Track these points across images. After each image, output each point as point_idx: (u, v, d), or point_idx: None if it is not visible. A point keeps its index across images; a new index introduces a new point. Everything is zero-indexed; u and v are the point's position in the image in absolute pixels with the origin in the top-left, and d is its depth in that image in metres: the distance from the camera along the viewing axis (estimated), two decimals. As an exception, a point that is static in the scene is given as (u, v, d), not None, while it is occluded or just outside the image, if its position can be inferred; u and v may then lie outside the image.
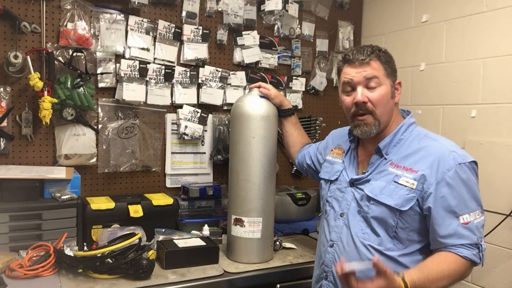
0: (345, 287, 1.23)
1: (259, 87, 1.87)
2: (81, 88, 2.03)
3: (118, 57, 2.15)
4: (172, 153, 2.33)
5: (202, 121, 2.33)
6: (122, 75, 2.12)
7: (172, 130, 2.32)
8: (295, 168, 2.66)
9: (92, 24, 2.09)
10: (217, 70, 2.38)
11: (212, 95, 2.38)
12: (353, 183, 1.47)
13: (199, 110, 2.33)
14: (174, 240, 1.83)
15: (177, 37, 2.28)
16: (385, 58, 1.43)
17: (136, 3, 2.13)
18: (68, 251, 1.69)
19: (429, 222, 1.33)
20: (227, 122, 2.40)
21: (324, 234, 1.54)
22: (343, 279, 1.22)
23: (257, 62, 2.50)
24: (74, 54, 2.01)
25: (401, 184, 1.35)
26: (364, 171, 1.47)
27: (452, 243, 1.31)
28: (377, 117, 1.40)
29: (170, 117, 2.31)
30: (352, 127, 1.47)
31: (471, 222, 1.31)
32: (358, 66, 1.41)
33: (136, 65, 2.15)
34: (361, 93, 1.39)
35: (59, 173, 1.91)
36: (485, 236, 1.91)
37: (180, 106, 2.30)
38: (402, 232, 1.36)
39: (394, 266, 1.34)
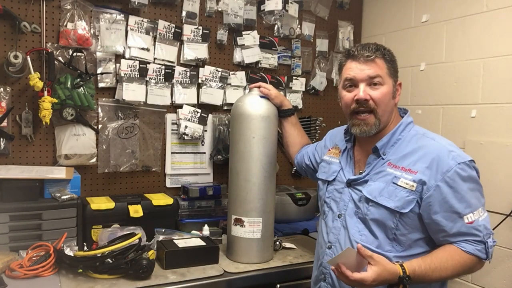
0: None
1: (259, 87, 1.87)
2: (81, 88, 2.03)
3: (118, 57, 2.15)
4: (172, 153, 2.33)
5: (202, 121, 2.33)
6: (122, 75, 2.12)
7: (172, 130, 2.32)
8: (295, 168, 2.65)
9: (92, 24, 2.09)
10: (217, 70, 2.38)
11: (212, 95, 2.38)
12: (350, 183, 1.45)
13: (199, 110, 2.33)
14: (174, 240, 1.83)
15: (177, 37, 2.28)
16: (390, 57, 1.42)
17: (136, 3, 2.13)
18: (68, 251, 1.69)
19: (431, 224, 1.31)
20: (227, 122, 2.40)
21: (322, 236, 1.54)
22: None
23: (257, 62, 2.50)
24: (74, 54, 2.01)
25: (401, 186, 1.33)
26: (361, 171, 1.46)
27: (455, 240, 1.30)
28: (378, 116, 1.38)
29: (170, 117, 2.31)
30: (350, 125, 1.44)
31: (475, 221, 1.29)
32: (362, 62, 1.38)
33: (136, 65, 2.15)
34: (363, 91, 1.37)
35: (59, 173, 1.91)
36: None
37: (180, 106, 2.30)
38: (401, 235, 1.35)
39: None
